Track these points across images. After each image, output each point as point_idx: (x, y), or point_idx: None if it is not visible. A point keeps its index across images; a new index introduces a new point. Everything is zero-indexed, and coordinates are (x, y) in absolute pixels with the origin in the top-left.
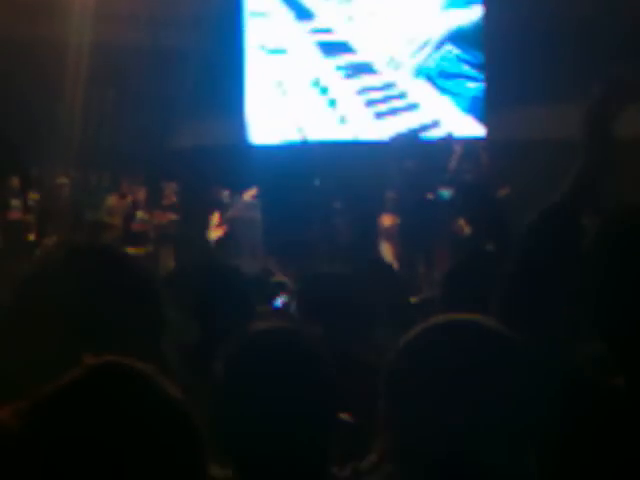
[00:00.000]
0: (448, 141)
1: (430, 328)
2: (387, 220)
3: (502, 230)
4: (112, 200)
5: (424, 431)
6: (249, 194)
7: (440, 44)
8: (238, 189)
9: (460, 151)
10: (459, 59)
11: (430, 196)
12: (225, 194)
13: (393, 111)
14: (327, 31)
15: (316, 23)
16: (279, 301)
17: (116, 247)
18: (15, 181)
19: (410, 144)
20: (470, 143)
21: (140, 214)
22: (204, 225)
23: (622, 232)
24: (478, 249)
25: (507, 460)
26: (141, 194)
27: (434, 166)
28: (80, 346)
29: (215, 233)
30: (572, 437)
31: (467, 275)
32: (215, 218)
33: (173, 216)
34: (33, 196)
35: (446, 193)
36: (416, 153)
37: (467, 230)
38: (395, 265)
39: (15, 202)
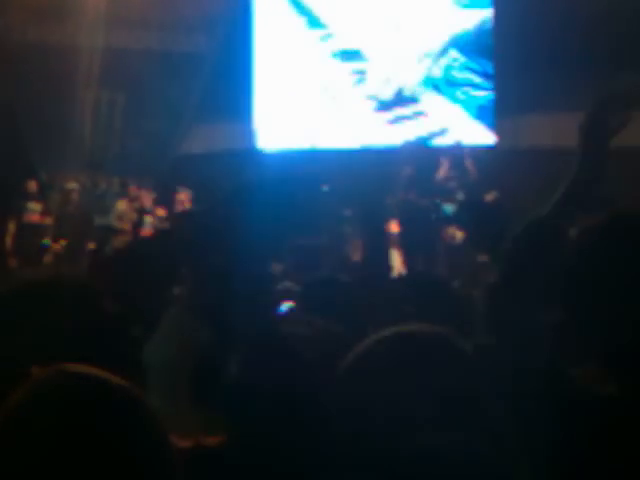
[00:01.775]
0: (457, 149)
1: (374, 341)
2: (395, 226)
3: (500, 244)
4: (122, 205)
5: (370, 442)
6: None
7: (446, 52)
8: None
9: (447, 163)
10: (465, 67)
11: (432, 214)
12: None
13: (403, 118)
14: (337, 38)
15: (326, 31)
16: (284, 307)
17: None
18: (32, 184)
19: (418, 152)
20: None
21: (149, 219)
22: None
23: (601, 240)
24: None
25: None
26: (147, 200)
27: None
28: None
29: None
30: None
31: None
32: None
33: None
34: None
35: (449, 208)
36: (423, 161)
37: (459, 237)
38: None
39: (33, 205)
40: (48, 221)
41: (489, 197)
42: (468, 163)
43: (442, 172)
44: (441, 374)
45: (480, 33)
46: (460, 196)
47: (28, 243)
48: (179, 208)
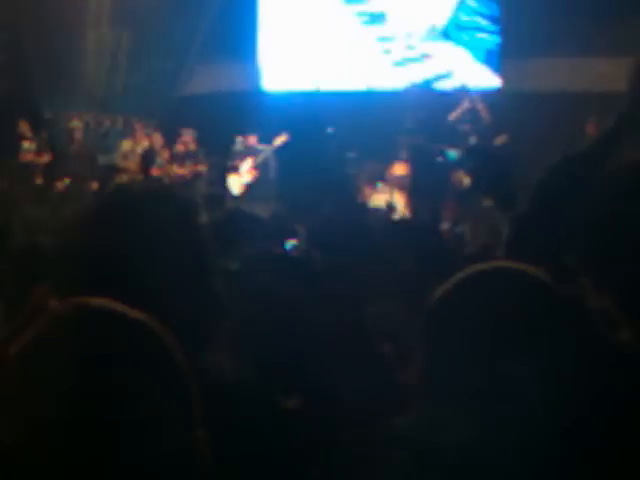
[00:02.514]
0: (462, 92)
1: (471, 275)
2: (399, 169)
3: (503, 187)
4: (127, 144)
5: (462, 375)
6: (280, 140)
7: None
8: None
9: (467, 105)
10: (474, 11)
11: (439, 158)
12: (253, 140)
13: (408, 60)
14: None
15: None
16: (289, 245)
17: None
18: (24, 125)
19: (424, 94)
20: (470, 95)
21: (160, 159)
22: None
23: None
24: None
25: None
26: (158, 139)
27: (446, 116)
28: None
29: (245, 178)
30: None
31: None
32: (248, 164)
33: (199, 167)
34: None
35: (453, 154)
36: (429, 103)
37: (466, 182)
38: (406, 214)
39: (27, 145)
40: (45, 159)
41: (500, 140)
42: (481, 107)
43: (454, 115)
44: (537, 312)
45: None
46: (472, 139)
47: (25, 182)
48: (182, 148)
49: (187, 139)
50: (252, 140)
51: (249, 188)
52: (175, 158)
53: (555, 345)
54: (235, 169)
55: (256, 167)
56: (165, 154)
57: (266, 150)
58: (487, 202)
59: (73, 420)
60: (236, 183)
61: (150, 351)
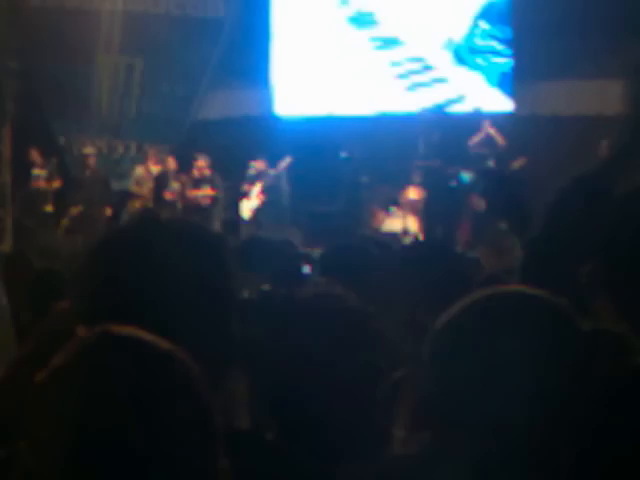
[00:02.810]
0: (475, 116)
1: (476, 300)
2: (412, 193)
3: (517, 210)
4: (140, 170)
5: (468, 403)
6: (284, 163)
7: (469, 19)
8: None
9: (487, 129)
10: (488, 34)
11: (453, 183)
12: (262, 164)
13: (422, 85)
14: (355, 3)
15: None
16: (304, 271)
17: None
18: (35, 154)
19: (437, 118)
20: (484, 118)
21: (174, 184)
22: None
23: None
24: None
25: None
26: (172, 164)
27: (460, 140)
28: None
29: (254, 202)
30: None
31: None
32: (257, 188)
33: (209, 191)
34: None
35: (466, 177)
36: (443, 127)
37: (481, 206)
38: (420, 237)
39: (38, 171)
40: (56, 185)
41: (517, 163)
42: (493, 130)
43: (475, 140)
44: (543, 338)
45: (504, 0)
46: (490, 163)
47: (36, 210)
48: (198, 174)
49: (202, 164)
50: (262, 164)
51: (258, 213)
52: (191, 183)
53: (567, 370)
54: (246, 194)
55: (265, 191)
56: (179, 179)
57: (273, 174)
58: (502, 225)
59: (97, 449)
60: (246, 208)
61: (176, 380)
